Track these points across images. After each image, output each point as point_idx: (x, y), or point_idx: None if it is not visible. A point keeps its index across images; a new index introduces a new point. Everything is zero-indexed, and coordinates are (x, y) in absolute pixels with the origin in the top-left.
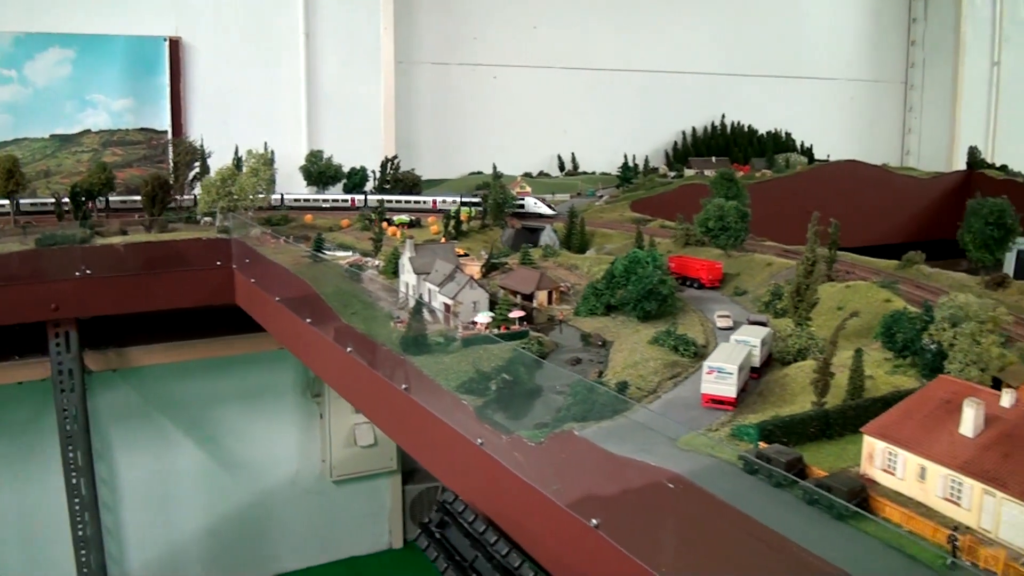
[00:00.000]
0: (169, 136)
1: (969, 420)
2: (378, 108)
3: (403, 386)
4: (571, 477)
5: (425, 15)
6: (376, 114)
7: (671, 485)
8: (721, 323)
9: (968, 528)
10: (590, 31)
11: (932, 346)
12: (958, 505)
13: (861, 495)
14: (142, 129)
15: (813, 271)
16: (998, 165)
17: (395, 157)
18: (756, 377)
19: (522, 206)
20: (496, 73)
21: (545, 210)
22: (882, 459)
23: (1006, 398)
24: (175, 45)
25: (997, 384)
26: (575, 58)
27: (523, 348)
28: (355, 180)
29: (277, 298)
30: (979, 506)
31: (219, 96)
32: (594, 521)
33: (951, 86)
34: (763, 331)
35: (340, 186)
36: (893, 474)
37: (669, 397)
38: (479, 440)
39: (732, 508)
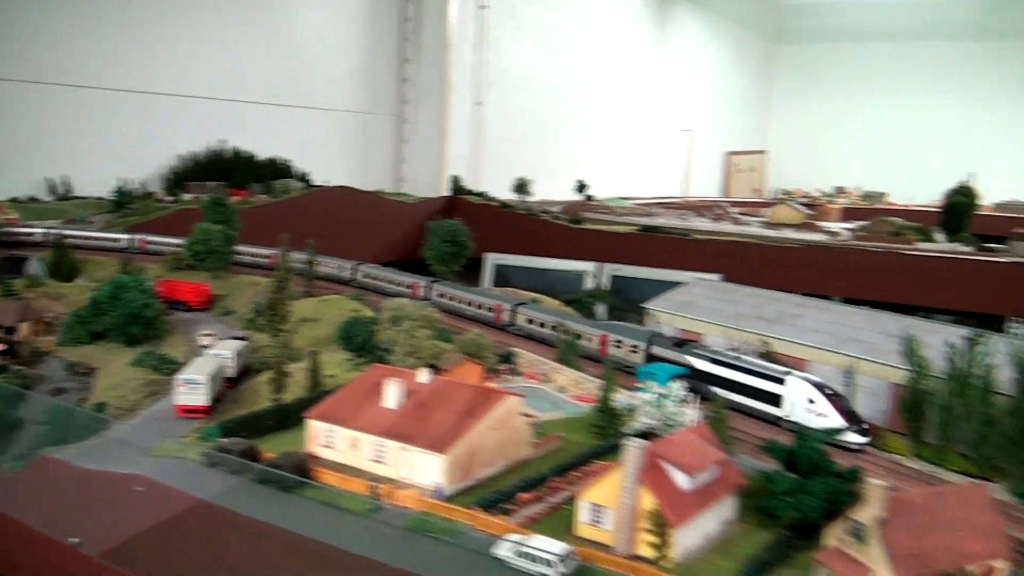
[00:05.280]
0: None
1: (390, 395)
2: None
3: None
4: (51, 500)
5: None
6: None
7: (141, 489)
8: (204, 342)
9: (392, 480)
10: (80, 45)
11: (384, 344)
12: (383, 463)
13: (302, 468)
14: None
15: (284, 288)
16: (478, 192)
17: None
18: (231, 387)
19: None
20: None
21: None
22: (323, 437)
23: (423, 376)
24: None
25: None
26: (64, 73)
27: (2, 383)
28: None
29: None
30: (398, 461)
31: None
32: (74, 540)
33: (440, 121)
34: (236, 344)
35: None
36: (333, 448)
37: (149, 412)
38: None
39: (193, 497)
